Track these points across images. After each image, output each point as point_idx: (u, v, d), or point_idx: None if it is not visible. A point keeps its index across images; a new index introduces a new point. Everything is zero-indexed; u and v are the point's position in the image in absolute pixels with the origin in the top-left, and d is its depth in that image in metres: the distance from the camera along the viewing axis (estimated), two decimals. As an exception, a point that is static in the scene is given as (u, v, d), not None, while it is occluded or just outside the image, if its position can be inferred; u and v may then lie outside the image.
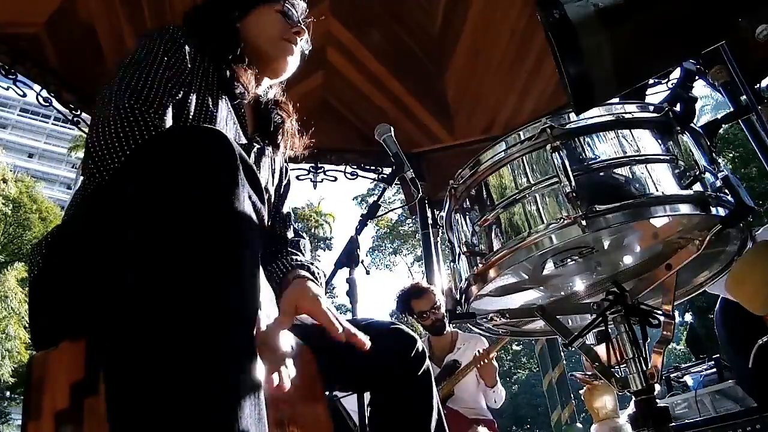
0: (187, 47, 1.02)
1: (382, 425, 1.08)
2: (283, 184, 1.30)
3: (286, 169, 1.33)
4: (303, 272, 1.06)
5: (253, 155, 1.14)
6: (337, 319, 0.89)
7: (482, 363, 2.90)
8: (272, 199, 1.22)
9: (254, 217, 0.67)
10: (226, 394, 0.55)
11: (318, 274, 1.10)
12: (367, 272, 1.65)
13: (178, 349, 0.56)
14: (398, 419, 1.06)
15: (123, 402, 0.56)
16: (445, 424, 1.10)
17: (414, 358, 1.08)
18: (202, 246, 0.61)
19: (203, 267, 0.60)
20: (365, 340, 0.90)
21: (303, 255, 1.20)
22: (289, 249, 1.19)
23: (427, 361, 1.11)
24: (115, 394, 0.57)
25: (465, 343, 3.13)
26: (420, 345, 1.10)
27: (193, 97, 0.99)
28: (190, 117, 0.98)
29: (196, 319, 0.57)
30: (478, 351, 2.94)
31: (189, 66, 1.00)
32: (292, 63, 1.23)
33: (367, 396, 1.17)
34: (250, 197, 0.67)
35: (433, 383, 1.11)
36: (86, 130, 3.38)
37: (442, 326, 3.07)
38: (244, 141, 1.11)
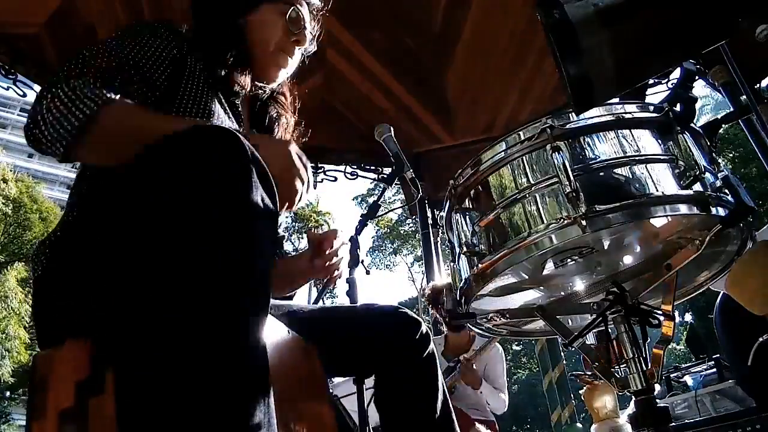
0: (175, 42, 1.00)
1: (387, 406, 1.08)
2: None
3: None
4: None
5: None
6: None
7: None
8: None
9: (267, 219, 0.67)
10: (235, 399, 0.55)
11: None
12: (367, 272, 1.64)
13: (188, 353, 0.56)
14: (403, 399, 1.06)
15: (133, 405, 0.56)
16: (451, 407, 1.10)
17: (418, 340, 1.08)
18: (215, 248, 0.60)
19: (217, 271, 0.60)
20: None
21: None
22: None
23: (432, 344, 1.11)
24: (124, 395, 0.57)
25: (479, 345, 3.16)
26: (424, 328, 1.10)
27: (188, 90, 0.98)
28: (186, 110, 0.97)
29: (208, 324, 0.57)
30: (463, 357, 2.98)
31: (177, 58, 0.99)
32: (284, 74, 1.18)
33: (367, 396, 1.17)
34: (263, 200, 0.67)
35: (438, 367, 1.11)
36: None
37: (462, 324, 3.12)
38: None
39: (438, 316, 3.25)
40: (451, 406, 1.10)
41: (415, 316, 1.12)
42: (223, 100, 1.07)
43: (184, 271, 0.59)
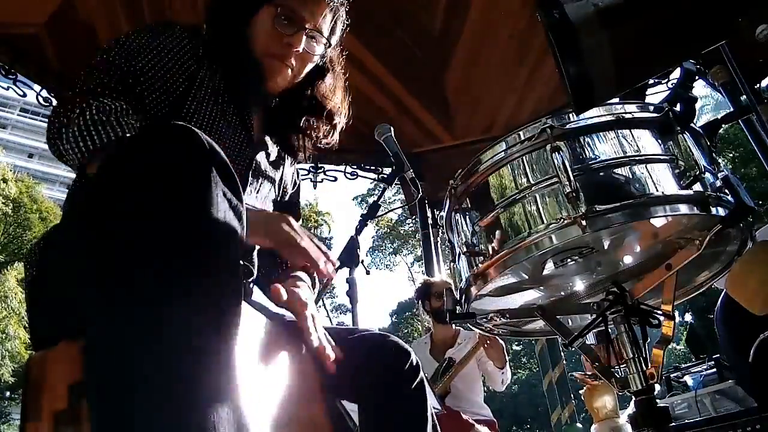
0: (189, 47, 1.00)
1: None
2: (291, 191, 1.29)
3: (296, 174, 1.31)
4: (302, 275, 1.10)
5: (262, 158, 1.13)
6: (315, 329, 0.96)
7: (488, 343, 2.92)
8: (276, 203, 1.21)
9: (230, 214, 0.66)
10: (202, 401, 0.55)
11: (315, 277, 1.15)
12: (367, 272, 1.64)
13: (150, 354, 0.55)
14: (390, 430, 1.04)
15: (99, 404, 0.56)
16: None
17: (407, 371, 1.05)
18: (172, 247, 0.59)
19: (174, 270, 0.59)
20: (332, 356, 0.95)
21: None
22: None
23: (422, 373, 1.08)
24: (91, 395, 0.57)
25: (465, 339, 3.15)
26: (414, 358, 1.07)
27: (193, 98, 0.99)
28: (188, 117, 0.97)
29: (167, 325, 0.56)
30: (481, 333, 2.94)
31: (190, 67, 0.99)
32: (281, 81, 1.09)
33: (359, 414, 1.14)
34: (224, 194, 0.65)
35: (428, 396, 1.07)
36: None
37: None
38: (248, 145, 1.09)
39: (424, 311, 3.28)
40: None
41: (405, 345, 1.09)
42: (230, 109, 1.06)
43: (137, 275, 0.58)
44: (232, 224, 0.66)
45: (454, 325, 3.20)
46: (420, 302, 3.32)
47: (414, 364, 1.07)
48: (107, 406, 0.55)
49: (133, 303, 0.57)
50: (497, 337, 2.92)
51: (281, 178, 1.23)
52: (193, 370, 0.56)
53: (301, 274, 1.11)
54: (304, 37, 1.07)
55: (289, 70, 1.09)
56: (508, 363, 3.04)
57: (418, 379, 1.06)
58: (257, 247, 1.10)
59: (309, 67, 1.13)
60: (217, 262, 0.62)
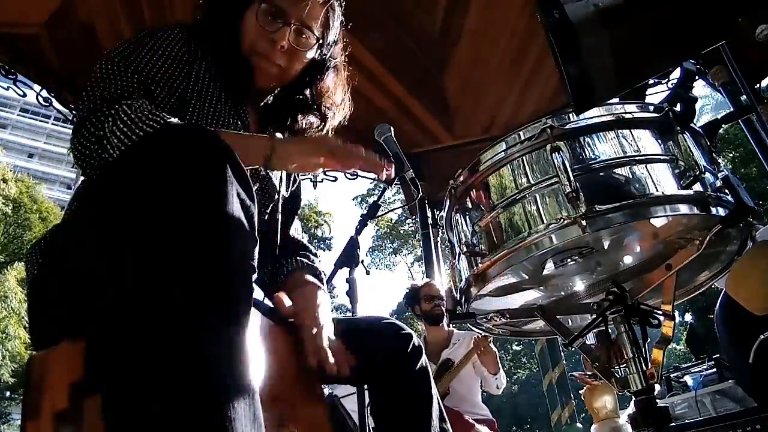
0: (184, 46, 1.01)
1: (383, 421, 1.08)
2: (293, 187, 1.29)
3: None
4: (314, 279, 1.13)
5: None
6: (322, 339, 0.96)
7: (481, 350, 2.93)
8: (279, 202, 1.21)
9: (243, 215, 0.67)
10: (218, 396, 0.55)
11: (322, 277, 1.18)
12: (367, 272, 1.64)
13: (167, 352, 0.55)
14: (399, 414, 1.05)
15: (117, 402, 0.56)
16: (446, 418, 1.10)
17: (410, 353, 1.08)
18: (188, 245, 0.60)
19: (189, 267, 0.59)
20: (331, 362, 0.94)
21: (316, 258, 1.23)
22: (302, 252, 1.22)
23: (424, 356, 1.11)
24: (108, 393, 0.57)
25: (459, 339, 3.15)
26: (416, 340, 1.10)
27: (193, 96, 0.99)
28: (188, 116, 0.98)
29: (183, 322, 0.57)
30: (476, 337, 2.95)
31: (186, 65, 1.00)
32: (270, 78, 1.07)
33: (368, 396, 1.17)
34: (238, 195, 0.67)
35: (431, 377, 1.11)
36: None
37: (440, 316, 3.12)
38: None
39: (415, 315, 3.30)
40: (447, 419, 1.09)
41: (407, 328, 1.11)
42: (226, 103, 1.06)
43: (153, 272, 0.59)
44: (244, 223, 0.67)
45: (446, 326, 3.21)
46: (410, 307, 3.34)
47: (416, 345, 1.09)
48: (123, 404, 0.55)
49: (149, 299, 0.58)
50: (490, 344, 2.94)
51: (280, 177, 1.24)
52: (210, 365, 0.56)
53: (311, 278, 1.13)
54: (291, 33, 1.05)
55: (277, 68, 1.07)
56: (501, 369, 3.05)
57: (421, 361, 1.08)
58: (257, 245, 1.10)
59: (303, 62, 1.11)
60: (229, 259, 0.63)
